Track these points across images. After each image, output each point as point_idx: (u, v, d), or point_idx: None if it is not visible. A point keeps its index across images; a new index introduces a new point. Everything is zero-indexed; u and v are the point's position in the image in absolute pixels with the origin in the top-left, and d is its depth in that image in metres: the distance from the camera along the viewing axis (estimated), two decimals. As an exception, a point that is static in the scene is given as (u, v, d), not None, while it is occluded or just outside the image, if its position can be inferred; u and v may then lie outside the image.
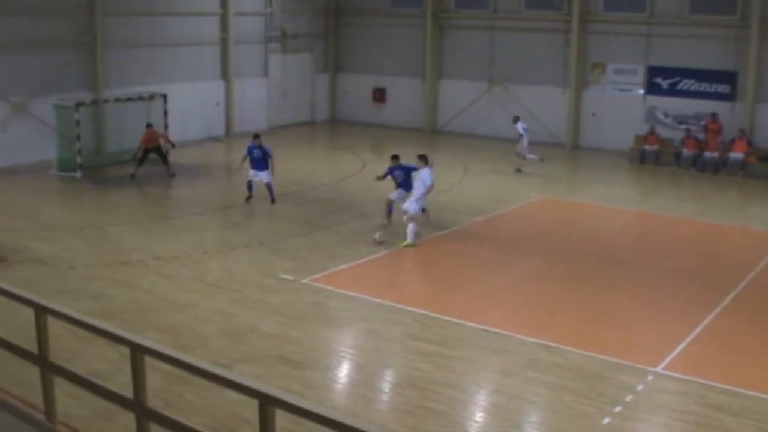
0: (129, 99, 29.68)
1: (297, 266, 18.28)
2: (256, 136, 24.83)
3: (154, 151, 27.32)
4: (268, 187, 24.03)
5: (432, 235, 20.94)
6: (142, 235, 20.64)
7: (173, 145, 27.93)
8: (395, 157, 21.92)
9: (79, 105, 27.58)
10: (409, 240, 19.96)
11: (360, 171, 29.10)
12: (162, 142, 27.43)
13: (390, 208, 21.82)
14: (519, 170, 29.08)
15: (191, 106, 33.59)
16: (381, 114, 39.51)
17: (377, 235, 20.12)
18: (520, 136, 29.21)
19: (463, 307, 15.96)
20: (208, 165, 29.94)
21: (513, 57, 35.24)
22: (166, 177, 27.15)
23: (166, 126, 29.59)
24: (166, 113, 29.87)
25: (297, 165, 30.00)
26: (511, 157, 29.63)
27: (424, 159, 20.65)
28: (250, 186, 24.26)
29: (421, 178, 20.26)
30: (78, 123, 27.30)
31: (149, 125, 27.58)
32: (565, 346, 13.84)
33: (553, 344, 13.94)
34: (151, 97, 30.08)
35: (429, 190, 20.26)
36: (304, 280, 17.27)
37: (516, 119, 30.06)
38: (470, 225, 22.03)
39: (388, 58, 39.05)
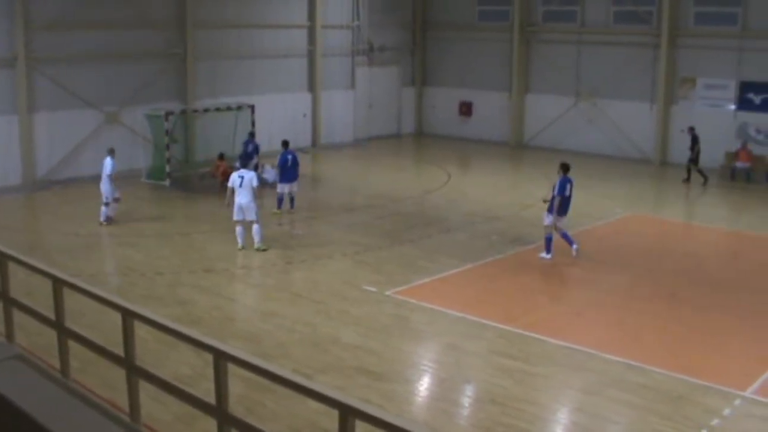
0: (217, 109, 30.19)
1: (380, 278, 18.28)
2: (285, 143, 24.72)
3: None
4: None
5: (516, 250, 20.77)
6: (227, 244, 20.88)
7: None
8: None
9: (169, 114, 28.17)
10: (259, 245, 20.24)
11: (445, 184, 29.06)
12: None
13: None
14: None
15: (278, 118, 34.02)
16: (467, 128, 39.42)
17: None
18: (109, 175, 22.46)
19: (546, 323, 15.77)
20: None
21: (600, 71, 34.79)
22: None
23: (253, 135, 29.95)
24: (253, 124, 30.24)
25: (382, 177, 30.13)
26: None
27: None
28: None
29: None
30: (168, 132, 27.85)
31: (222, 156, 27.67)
32: (650, 366, 13.51)
33: (637, 364, 13.64)
34: (239, 108, 30.56)
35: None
36: (387, 293, 17.25)
37: (110, 151, 22.87)
38: (555, 240, 21.77)
39: (475, 72, 38.99)
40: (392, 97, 40.45)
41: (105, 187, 22.44)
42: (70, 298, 9.40)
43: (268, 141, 32.22)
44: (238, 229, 20.21)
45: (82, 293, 9.01)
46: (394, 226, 23.27)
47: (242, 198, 19.83)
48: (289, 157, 23.88)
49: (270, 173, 27.30)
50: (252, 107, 30.53)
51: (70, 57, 28.07)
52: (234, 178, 19.90)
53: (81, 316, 10.80)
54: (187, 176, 29.31)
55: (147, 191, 27.37)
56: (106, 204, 22.53)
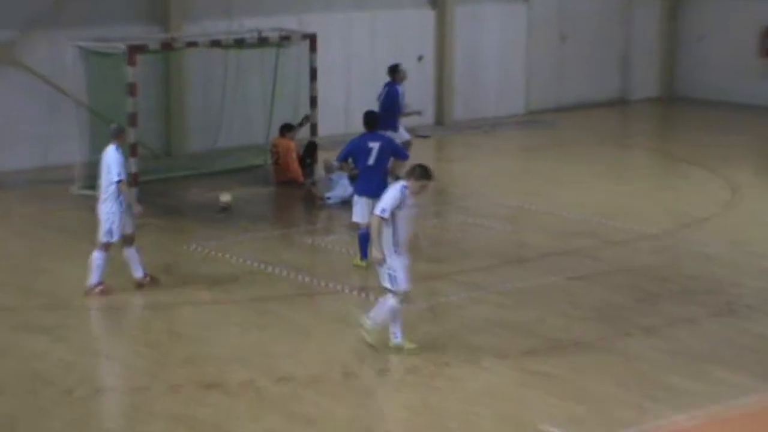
0: (238, 43, 29.99)
1: (580, 411, 17.39)
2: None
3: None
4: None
5: None
6: (250, 329, 20.58)
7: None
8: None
9: (134, 51, 27.63)
10: (367, 324, 19.61)
11: (726, 209, 28.67)
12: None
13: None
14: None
15: (362, 63, 33.56)
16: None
17: None
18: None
19: None
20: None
21: None
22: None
23: (313, 101, 29.95)
24: (313, 74, 29.99)
25: (585, 192, 30.06)
26: None
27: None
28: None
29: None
30: (132, 89, 27.35)
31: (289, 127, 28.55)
32: None
33: None
34: (282, 41, 30.36)
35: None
36: (592, 443, 16.63)
37: (113, 133, 22.98)
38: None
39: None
40: (611, 22, 40.79)
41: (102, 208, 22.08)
42: None
43: (344, 113, 32.72)
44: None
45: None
46: (610, 296, 22.91)
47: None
48: (372, 146, 23.28)
49: (339, 180, 27.66)
50: (311, 38, 30.24)
51: None
52: None
53: None
54: (173, 181, 29.76)
55: (81, 214, 26.71)
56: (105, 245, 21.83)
